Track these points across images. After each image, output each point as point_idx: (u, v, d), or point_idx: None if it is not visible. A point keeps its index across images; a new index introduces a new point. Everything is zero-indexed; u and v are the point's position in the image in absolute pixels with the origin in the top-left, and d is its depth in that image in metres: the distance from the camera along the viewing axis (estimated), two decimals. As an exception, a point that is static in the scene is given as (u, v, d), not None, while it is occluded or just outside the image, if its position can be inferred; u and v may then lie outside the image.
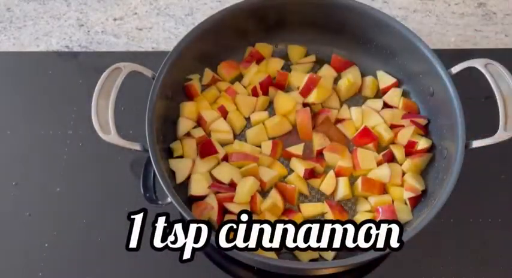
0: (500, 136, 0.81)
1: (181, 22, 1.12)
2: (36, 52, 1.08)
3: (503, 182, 0.95)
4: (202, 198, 0.88)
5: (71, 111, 1.00)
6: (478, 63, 0.86)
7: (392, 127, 0.95)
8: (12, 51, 1.08)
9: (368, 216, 0.88)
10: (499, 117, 0.82)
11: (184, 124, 0.93)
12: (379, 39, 0.97)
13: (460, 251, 0.90)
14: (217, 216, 0.86)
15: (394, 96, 0.98)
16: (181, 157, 0.92)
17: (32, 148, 0.98)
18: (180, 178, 0.89)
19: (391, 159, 0.93)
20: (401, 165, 0.92)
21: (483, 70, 0.85)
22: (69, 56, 1.07)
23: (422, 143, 0.92)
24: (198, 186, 0.88)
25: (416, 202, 0.89)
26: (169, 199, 0.79)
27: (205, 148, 0.90)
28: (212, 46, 0.96)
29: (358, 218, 0.88)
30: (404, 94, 0.98)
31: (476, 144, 0.82)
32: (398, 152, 0.93)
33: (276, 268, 0.81)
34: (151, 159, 0.80)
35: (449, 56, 0.93)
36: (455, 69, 0.88)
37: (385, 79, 0.99)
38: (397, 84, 0.99)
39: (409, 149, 0.93)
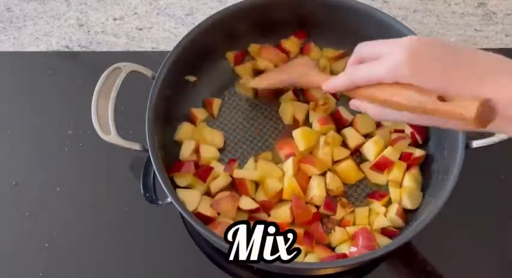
0: (500, 136, 0.81)
1: (181, 22, 1.12)
2: (36, 52, 1.08)
3: (503, 182, 0.95)
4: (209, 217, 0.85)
5: (71, 111, 1.00)
6: (478, 63, 0.86)
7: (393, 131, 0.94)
8: (12, 51, 1.08)
9: (346, 244, 0.84)
10: (499, 117, 0.82)
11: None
12: (379, 39, 0.97)
13: (460, 251, 0.90)
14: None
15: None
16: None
17: (32, 148, 0.98)
18: (191, 207, 0.85)
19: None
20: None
21: (483, 70, 0.85)
22: (69, 56, 1.07)
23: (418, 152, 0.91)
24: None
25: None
26: (169, 199, 0.79)
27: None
28: (212, 46, 0.96)
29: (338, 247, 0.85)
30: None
31: (476, 144, 0.82)
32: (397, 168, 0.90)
33: (276, 268, 0.81)
34: (152, 159, 0.80)
35: (449, 56, 0.93)
36: (455, 69, 0.88)
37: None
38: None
39: (405, 160, 0.90)
